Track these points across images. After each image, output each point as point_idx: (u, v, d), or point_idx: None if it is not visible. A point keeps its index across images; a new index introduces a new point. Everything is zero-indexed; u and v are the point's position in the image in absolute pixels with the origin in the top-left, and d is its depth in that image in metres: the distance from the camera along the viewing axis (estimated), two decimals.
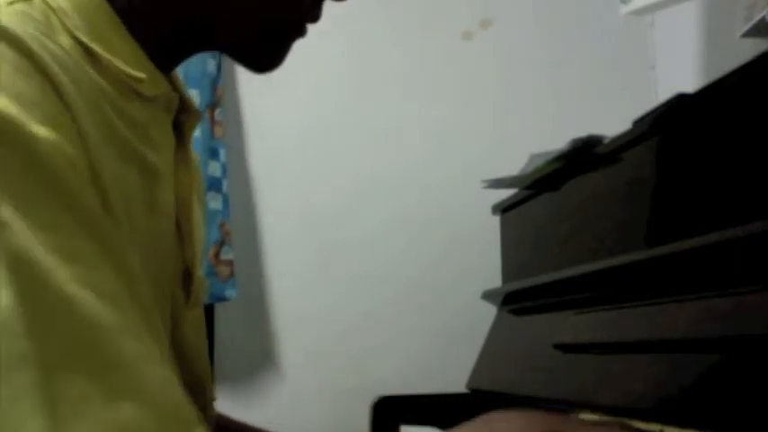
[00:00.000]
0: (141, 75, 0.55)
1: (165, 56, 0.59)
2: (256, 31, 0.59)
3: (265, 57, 0.61)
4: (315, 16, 0.61)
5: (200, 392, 0.64)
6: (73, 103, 0.45)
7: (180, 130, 0.62)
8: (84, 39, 0.51)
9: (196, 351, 0.64)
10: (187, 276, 0.62)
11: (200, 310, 0.67)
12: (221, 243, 1.76)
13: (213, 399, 0.72)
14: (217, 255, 1.75)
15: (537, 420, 0.53)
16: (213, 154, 1.77)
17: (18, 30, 0.44)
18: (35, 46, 0.45)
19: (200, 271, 0.65)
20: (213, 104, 1.77)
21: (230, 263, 1.77)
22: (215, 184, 1.76)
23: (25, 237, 0.40)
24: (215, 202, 1.76)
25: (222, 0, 0.57)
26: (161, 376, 0.43)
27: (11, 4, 0.48)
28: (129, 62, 0.54)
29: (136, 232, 0.51)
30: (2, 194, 0.40)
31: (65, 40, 0.49)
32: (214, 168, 1.77)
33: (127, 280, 0.45)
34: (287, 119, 1.89)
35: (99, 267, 0.43)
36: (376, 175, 1.92)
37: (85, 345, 0.40)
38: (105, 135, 0.49)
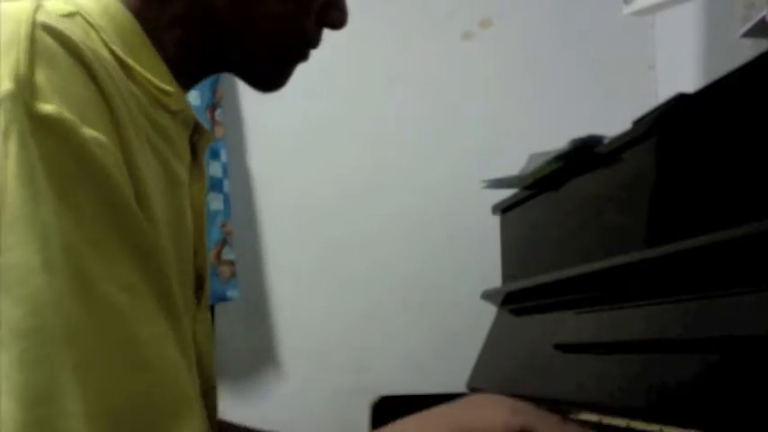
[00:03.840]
0: (170, 88, 0.59)
1: (181, 77, 0.63)
2: (264, 57, 0.65)
3: (271, 79, 0.68)
4: (316, 42, 0.68)
5: (209, 392, 0.69)
6: (116, 109, 0.50)
7: (193, 148, 0.67)
8: (120, 53, 0.55)
9: (206, 352, 0.68)
10: (199, 282, 0.67)
11: (208, 314, 0.72)
12: (223, 243, 1.77)
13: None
14: (218, 255, 1.75)
15: (522, 411, 0.54)
16: (214, 154, 1.77)
17: (74, 36, 0.49)
18: (87, 53, 0.49)
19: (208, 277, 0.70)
20: (213, 105, 1.77)
21: (232, 263, 1.77)
22: (216, 185, 1.76)
23: (75, 231, 0.45)
24: (216, 203, 1.76)
25: (235, 30, 0.63)
26: (171, 357, 0.49)
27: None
28: (158, 77, 0.58)
29: (167, 245, 0.56)
30: (56, 190, 0.45)
31: (104, 54, 0.53)
32: (215, 168, 1.77)
33: (153, 274, 0.50)
34: (287, 118, 1.89)
35: (124, 262, 0.48)
36: (377, 174, 1.92)
37: (115, 329, 0.46)
38: (142, 142, 0.54)
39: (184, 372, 0.50)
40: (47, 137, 0.45)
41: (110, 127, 0.49)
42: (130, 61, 0.56)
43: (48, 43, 0.47)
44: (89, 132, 0.47)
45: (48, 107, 0.45)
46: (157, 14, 0.60)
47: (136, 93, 0.55)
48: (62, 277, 0.44)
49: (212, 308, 1.82)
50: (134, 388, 0.46)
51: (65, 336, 0.44)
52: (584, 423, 0.86)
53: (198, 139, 0.67)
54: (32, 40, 0.47)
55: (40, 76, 0.46)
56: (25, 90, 0.45)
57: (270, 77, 0.68)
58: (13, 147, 0.44)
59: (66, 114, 0.46)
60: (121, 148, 0.50)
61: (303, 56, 0.68)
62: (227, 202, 1.79)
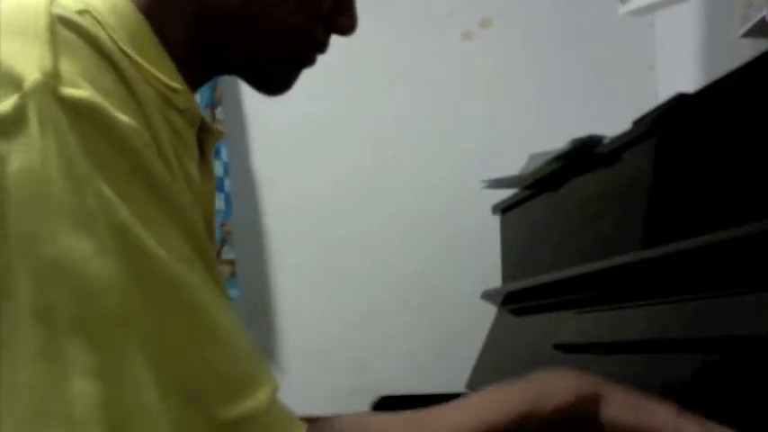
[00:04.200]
0: (178, 86, 0.59)
1: (189, 77, 0.63)
2: (269, 59, 0.65)
3: (276, 82, 0.68)
4: (323, 47, 0.69)
5: None
6: (142, 100, 0.51)
7: (201, 146, 0.67)
8: (129, 51, 0.55)
9: None
10: None
11: None
12: (222, 242, 1.77)
13: None
14: (218, 254, 1.75)
15: (591, 379, 0.58)
16: (215, 153, 1.77)
17: (96, 33, 0.50)
18: (106, 44, 0.50)
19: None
20: (214, 103, 1.77)
21: (232, 263, 1.77)
22: (217, 184, 1.76)
23: (123, 211, 0.46)
24: (217, 201, 1.76)
25: (242, 31, 0.63)
26: (233, 322, 0.51)
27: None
28: (166, 75, 0.59)
29: None
30: (98, 174, 0.45)
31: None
32: (216, 167, 1.76)
33: (197, 248, 0.51)
34: (288, 118, 1.89)
35: (174, 236, 0.49)
36: (377, 174, 1.92)
37: (178, 299, 0.47)
38: (163, 134, 0.54)
39: (246, 333, 0.51)
40: (80, 121, 0.46)
41: (137, 113, 0.50)
42: (139, 59, 0.56)
43: (67, 35, 0.47)
44: (120, 116, 0.47)
45: (77, 92, 0.46)
46: (166, 14, 0.61)
47: (147, 89, 0.56)
48: (114, 258, 0.45)
49: None
50: (204, 355, 0.47)
51: (125, 315, 0.44)
52: None
53: (205, 137, 0.67)
54: (53, 32, 0.47)
55: (65, 66, 0.46)
56: (52, 79, 0.45)
57: (274, 80, 0.68)
58: (50, 138, 0.44)
59: (97, 99, 0.46)
60: (150, 134, 0.50)
61: (309, 60, 0.68)
62: (227, 201, 1.79)
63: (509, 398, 0.58)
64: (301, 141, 1.91)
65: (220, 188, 1.78)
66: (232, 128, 1.86)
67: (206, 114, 1.78)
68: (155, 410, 0.44)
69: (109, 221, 0.45)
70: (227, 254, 1.77)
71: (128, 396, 0.44)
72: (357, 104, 1.93)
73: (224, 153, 1.79)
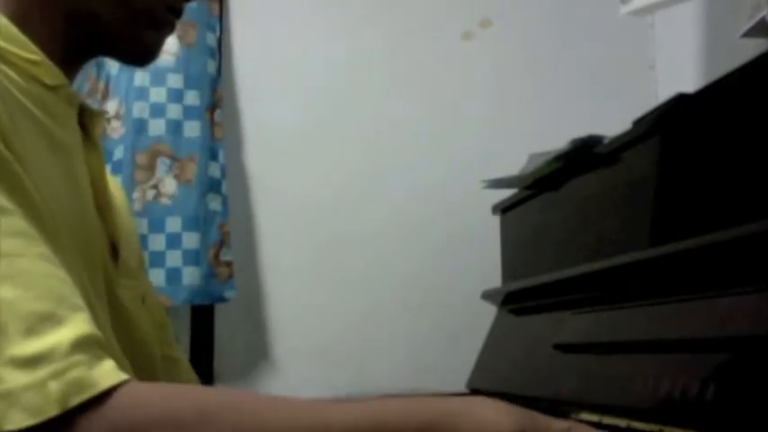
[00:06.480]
0: (36, 57, 0.63)
1: (64, 65, 0.66)
2: (124, 24, 0.67)
3: (141, 48, 0.70)
4: (176, 10, 0.70)
5: (144, 355, 0.74)
6: None
7: (86, 129, 0.71)
8: None
9: (134, 315, 0.73)
10: (115, 250, 0.72)
11: (135, 281, 0.76)
12: (221, 244, 1.76)
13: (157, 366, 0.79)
14: (216, 256, 1.75)
15: (520, 415, 0.53)
16: (213, 155, 1.76)
17: None
18: None
19: (128, 247, 0.75)
20: (213, 106, 1.77)
21: (229, 264, 1.76)
22: (214, 185, 1.76)
23: None
24: (214, 203, 1.76)
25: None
26: (45, 270, 0.52)
27: None
28: (23, 51, 0.62)
29: (59, 202, 0.60)
30: None
31: None
32: (213, 169, 1.76)
33: (24, 202, 0.54)
34: (286, 119, 1.89)
35: None
36: (377, 174, 1.92)
37: None
38: (11, 104, 0.58)
39: (62, 282, 0.53)
40: None
41: None
42: None
43: None
44: None
45: None
46: (31, 8, 0.65)
47: (4, 68, 0.60)
48: None
49: (212, 308, 1.82)
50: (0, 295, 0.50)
51: None
52: (584, 423, 0.86)
53: (88, 119, 0.71)
54: None
55: None
56: None
57: (139, 46, 0.70)
58: None
59: None
60: None
61: (168, 24, 0.70)
62: (225, 203, 1.79)
63: (416, 406, 0.53)
64: (300, 142, 1.91)
65: (218, 190, 1.77)
66: (230, 130, 1.86)
67: (205, 117, 1.79)
68: None
69: None
70: (225, 255, 1.77)
71: None
72: (357, 105, 1.92)
73: (221, 155, 1.79)
